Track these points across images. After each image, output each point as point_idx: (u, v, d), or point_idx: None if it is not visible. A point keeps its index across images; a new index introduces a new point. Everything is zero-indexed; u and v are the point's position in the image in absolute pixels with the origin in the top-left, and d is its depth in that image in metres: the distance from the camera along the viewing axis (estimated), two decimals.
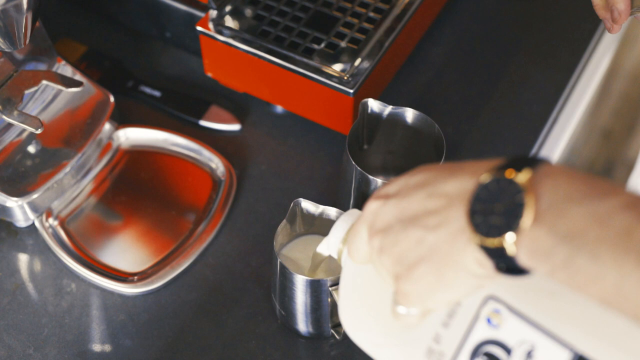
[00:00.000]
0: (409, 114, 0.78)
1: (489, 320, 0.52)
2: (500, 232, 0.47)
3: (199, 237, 0.83)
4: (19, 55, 0.82)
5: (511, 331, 0.51)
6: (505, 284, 0.52)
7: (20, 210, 0.82)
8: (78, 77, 0.88)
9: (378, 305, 0.57)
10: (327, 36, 0.88)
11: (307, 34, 0.88)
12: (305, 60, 0.85)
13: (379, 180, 0.74)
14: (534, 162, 0.47)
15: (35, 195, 0.81)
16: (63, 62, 0.87)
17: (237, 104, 0.94)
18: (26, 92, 0.81)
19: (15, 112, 0.79)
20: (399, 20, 0.89)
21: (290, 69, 0.85)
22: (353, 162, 0.75)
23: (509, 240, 0.46)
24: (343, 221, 0.63)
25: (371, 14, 0.90)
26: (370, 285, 0.58)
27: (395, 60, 0.93)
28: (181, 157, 0.90)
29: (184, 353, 0.77)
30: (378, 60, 0.86)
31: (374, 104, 0.78)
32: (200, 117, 0.92)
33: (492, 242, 0.47)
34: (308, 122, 0.91)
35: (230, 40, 0.87)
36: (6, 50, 0.76)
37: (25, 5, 0.72)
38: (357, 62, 0.85)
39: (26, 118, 0.79)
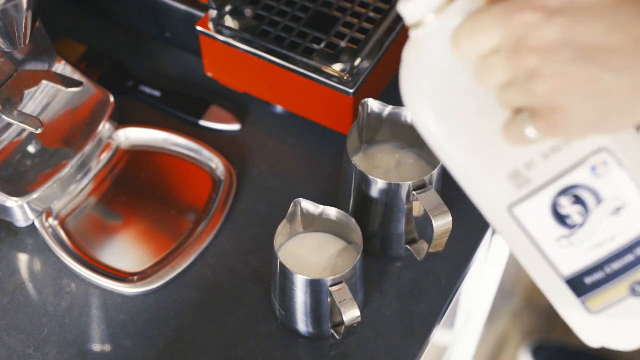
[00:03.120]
0: (409, 114, 0.78)
1: (593, 169, 0.51)
2: None
3: (199, 237, 0.83)
4: (19, 55, 0.82)
5: (611, 185, 0.51)
6: (626, 140, 0.51)
7: (20, 210, 0.82)
8: (78, 77, 0.88)
9: (470, 108, 0.52)
10: (327, 36, 0.88)
11: (307, 34, 0.88)
12: (305, 60, 0.85)
13: (379, 180, 0.74)
14: None
15: (35, 195, 0.81)
16: (63, 62, 0.87)
17: (237, 104, 0.94)
18: (26, 92, 0.81)
19: (15, 112, 0.79)
20: (399, 20, 0.89)
21: (290, 69, 0.85)
22: (353, 162, 0.75)
23: None
24: None
25: (371, 14, 0.90)
26: (461, 83, 0.52)
27: (396, 60, 0.93)
28: (181, 157, 0.90)
29: (184, 353, 0.77)
30: (378, 60, 0.86)
31: (374, 104, 0.78)
32: (200, 117, 0.92)
33: None
34: (308, 122, 0.91)
35: (230, 40, 0.87)
36: (6, 50, 0.76)
37: (25, 5, 0.72)
38: (357, 62, 0.85)
39: (26, 118, 0.79)
